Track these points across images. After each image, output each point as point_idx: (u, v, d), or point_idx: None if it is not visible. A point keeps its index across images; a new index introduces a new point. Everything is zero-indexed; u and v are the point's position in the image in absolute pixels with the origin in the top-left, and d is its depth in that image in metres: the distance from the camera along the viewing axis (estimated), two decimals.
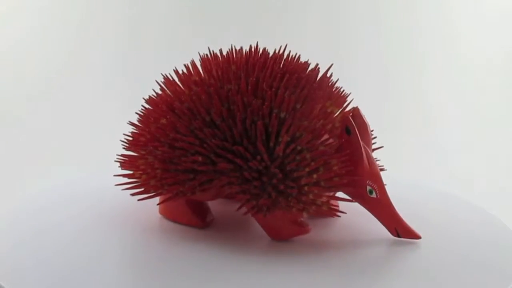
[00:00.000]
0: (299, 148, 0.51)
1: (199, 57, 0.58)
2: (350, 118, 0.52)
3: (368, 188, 0.53)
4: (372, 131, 0.60)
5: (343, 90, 0.60)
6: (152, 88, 0.61)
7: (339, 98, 0.58)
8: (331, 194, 0.54)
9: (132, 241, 0.55)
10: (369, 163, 0.53)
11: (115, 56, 1.31)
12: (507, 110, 1.37)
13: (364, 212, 0.55)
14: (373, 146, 0.60)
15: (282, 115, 0.51)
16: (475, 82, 1.37)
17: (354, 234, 0.58)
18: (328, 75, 0.58)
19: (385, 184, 0.57)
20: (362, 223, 0.60)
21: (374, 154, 0.60)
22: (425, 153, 1.34)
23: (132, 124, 0.58)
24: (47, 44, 1.30)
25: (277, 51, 0.57)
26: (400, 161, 0.66)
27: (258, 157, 0.50)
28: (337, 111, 0.57)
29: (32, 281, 0.47)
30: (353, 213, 0.60)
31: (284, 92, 0.52)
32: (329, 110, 0.56)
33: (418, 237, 0.55)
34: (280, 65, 0.54)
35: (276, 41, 0.64)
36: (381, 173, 0.59)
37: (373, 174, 0.53)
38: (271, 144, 0.51)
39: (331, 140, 0.53)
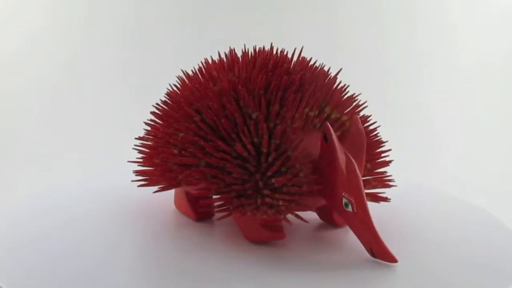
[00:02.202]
0: (264, 150, 0.50)
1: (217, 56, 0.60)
2: (329, 125, 0.50)
3: (344, 200, 0.50)
4: (385, 142, 0.59)
5: (359, 99, 0.59)
6: (157, 89, 0.63)
7: (345, 104, 0.57)
8: (302, 200, 0.51)
9: (139, 244, 0.55)
10: (348, 174, 0.49)
11: (119, 57, 1.31)
12: (507, 110, 1.37)
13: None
14: (388, 158, 0.59)
15: (254, 115, 0.51)
16: (474, 82, 1.37)
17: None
18: (335, 81, 0.58)
19: (389, 199, 0.56)
20: None
21: (387, 169, 0.59)
22: (424, 153, 1.34)
23: (152, 113, 0.60)
24: (52, 43, 1.30)
25: (277, 52, 0.58)
26: (399, 162, 0.65)
27: (218, 154, 0.51)
28: (345, 118, 0.56)
29: (33, 282, 0.46)
30: None
31: (261, 93, 0.52)
32: (333, 117, 0.55)
33: (394, 260, 0.50)
34: (272, 66, 0.55)
35: (291, 43, 0.64)
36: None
37: (351, 186, 0.49)
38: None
39: (310, 145, 0.52)
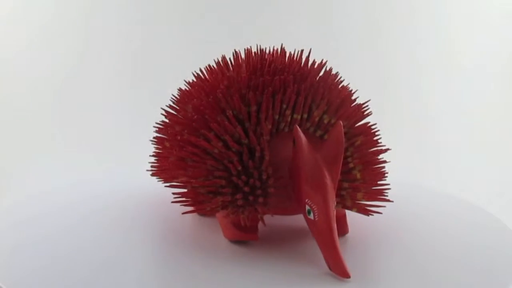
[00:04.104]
0: (232, 149, 0.50)
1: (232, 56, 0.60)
2: (298, 128, 0.48)
3: (307, 207, 0.48)
4: (383, 151, 0.56)
5: (364, 105, 0.57)
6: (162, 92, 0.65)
7: (341, 108, 0.55)
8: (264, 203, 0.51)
9: (143, 245, 0.55)
10: (313, 180, 0.48)
11: (121, 58, 1.32)
12: (507, 110, 1.37)
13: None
14: (388, 161, 0.57)
15: (229, 113, 0.51)
16: (474, 82, 1.37)
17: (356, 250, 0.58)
18: (330, 83, 0.55)
19: (372, 213, 0.54)
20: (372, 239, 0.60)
21: (389, 179, 0.57)
22: (424, 153, 1.34)
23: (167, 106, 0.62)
24: (56, 43, 1.30)
25: (278, 52, 0.58)
26: (399, 161, 0.65)
27: (188, 148, 0.51)
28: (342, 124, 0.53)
29: (34, 282, 0.46)
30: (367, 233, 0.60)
31: (243, 92, 0.52)
32: (325, 121, 0.54)
33: (346, 276, 0.47)
34: (264, 67, 0.54)
35: (295, 44, 0.64)
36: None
37: (314, 193, 0.48)
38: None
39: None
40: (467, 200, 0.70)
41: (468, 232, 0.60)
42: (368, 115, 0.57)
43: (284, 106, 0.52)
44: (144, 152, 0.66)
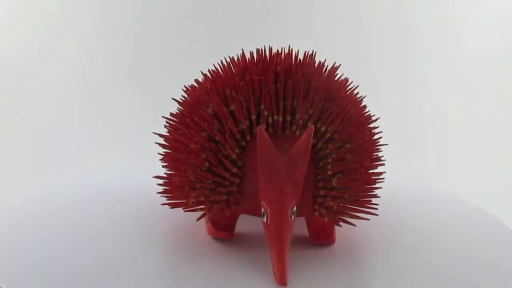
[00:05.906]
0: (206, 146, 0.51)
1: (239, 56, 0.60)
2: (262, 128, 0.47)
3: (262, 209, 0.48)
4: (374, 158, 0.54)
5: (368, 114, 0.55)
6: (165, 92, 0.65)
7: (325, 113, 0.52)
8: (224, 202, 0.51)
9: (145, 248, 0.55)
10: (269, 184, 0.47)
11: (122, 59, 1.32)
12: (507, 110, 1.37)
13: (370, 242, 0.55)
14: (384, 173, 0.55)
15: (207, 111, 0.52)
16: (474, 82, 1.37)
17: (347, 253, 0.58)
18: (319, 87, 0.53)
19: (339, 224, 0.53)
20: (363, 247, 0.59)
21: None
22: (425, 153, 1.34)
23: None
24: (56, 43, 1.31)
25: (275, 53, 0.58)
26: (400, 161, 0.65)
27: (172, 143, 0.53)
28: (325, 129, 0.51)
29: (34, 282, 0.46)
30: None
31: (226, 92, 0.52)
32: (309, 125, 0.51)
33: (283, 284, 0.45)
34: (254, 67, 0.55)
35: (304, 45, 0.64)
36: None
37: (270, 197, 0.47)
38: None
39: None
40: (467, 200, 0.70)
41: (468, 231, 0.60)
42: (368, 122, 0.55)
43: (262, 106, 0.51)
44: (144, 152, 0.66)
